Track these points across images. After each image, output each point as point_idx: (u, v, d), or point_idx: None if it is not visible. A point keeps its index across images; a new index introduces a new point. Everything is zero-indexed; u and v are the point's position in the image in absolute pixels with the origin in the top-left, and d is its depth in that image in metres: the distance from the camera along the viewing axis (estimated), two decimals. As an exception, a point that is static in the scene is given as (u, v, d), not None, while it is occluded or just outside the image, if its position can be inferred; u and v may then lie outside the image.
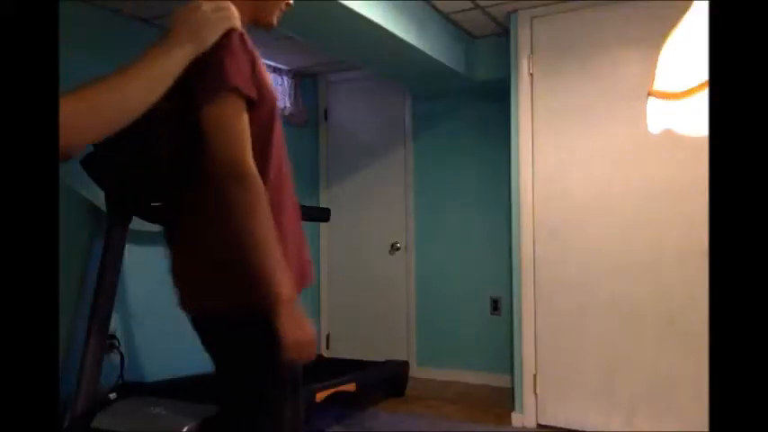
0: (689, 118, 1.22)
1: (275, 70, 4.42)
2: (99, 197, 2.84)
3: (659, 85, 1.28)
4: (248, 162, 1.27)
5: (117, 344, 3.12)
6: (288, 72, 4.53)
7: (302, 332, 1.30)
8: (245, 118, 1.29)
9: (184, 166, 1.37)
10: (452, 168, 4.50)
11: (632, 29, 3.24)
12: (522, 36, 3.54)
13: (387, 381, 4.02)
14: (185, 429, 2.47)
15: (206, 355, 1.50)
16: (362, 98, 4.85)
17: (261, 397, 1.41)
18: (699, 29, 1.17)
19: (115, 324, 3.04)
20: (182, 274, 1.44)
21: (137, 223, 2.90)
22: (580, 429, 3.31)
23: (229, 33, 1.28)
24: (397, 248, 4.64)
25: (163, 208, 1.53)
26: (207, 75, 1.25)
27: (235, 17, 1.29)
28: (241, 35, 1.31)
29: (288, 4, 1.50)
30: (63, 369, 2.74)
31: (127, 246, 2.80)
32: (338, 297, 4.81)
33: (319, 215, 3.99)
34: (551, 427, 3.39)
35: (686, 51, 1.22)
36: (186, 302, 1.44)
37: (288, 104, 4.48)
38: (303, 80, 4.73)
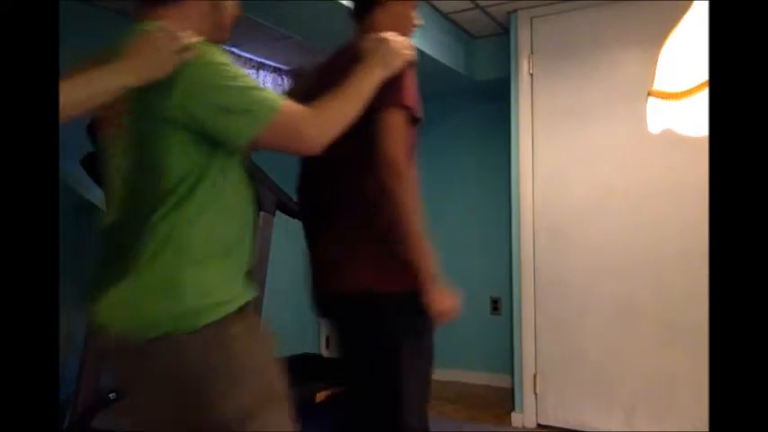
0: (689, 118, 1.22)
1: (275, 70, 4.42)
2: (99, 197, 2.84)
3: (659, 85, 1.28)
4: (408, 163, 1.59)
5: (117, 344, 3.11)
6: (288, 72, 4.52)
7: (448, 301, 1.66)
8: (407, 130, 1.60)
9: (356, 165, 1.64)
10: (452, 168, 4.50)
11: (632, 29, 3.24)
12: (522, 36, 3.54)
13: (387, 381, 4.01)
14: (185, 429, 2.47)
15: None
16: (362, 98, 4.84)
17: (411, 367, 1.67)
18: (699, 29, 1.17)
19: (115, 324, 3.04)
20: (345, 259, 1.65)
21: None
22: (580, 429, 3.31)
23: (407, 63, 1.57)
24: (397, 248, 4.64)
25: (315, 203, 1.79)
26: (386, 94, 1.52)
27: (412, 51, 1.58)
28: (412, 64, 1.61)
29: (414, 26, 1.81)
30: (63, 369, 2.74)
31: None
32: (338, 297, 4.80)
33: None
34: (551, 427, 3.39)
35: (686, 51, 1.22)
36: (345, 284, 1.65)
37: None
38: (303, 80, 4.71)
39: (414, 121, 1.62)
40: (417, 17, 1.81)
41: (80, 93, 1.12)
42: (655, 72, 1.31)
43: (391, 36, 1.55)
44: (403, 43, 1.56)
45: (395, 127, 1.57)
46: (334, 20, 2.96)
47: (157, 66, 1.17)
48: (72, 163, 2.69)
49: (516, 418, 3.48)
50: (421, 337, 1.71)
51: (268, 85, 3.94)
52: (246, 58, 3.67)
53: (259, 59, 3.72)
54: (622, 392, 3.22)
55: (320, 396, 3.18)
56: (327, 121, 1.32)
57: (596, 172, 3.33)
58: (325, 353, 4.76)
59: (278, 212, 2.76)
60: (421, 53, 3.48)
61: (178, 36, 1.19)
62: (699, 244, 2.90)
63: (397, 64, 1.52)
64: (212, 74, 1.19)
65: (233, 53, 3.60)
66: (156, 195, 1.21)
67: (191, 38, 1.21)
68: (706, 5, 1.10)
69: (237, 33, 3.86)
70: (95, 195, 2.88)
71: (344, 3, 2.78)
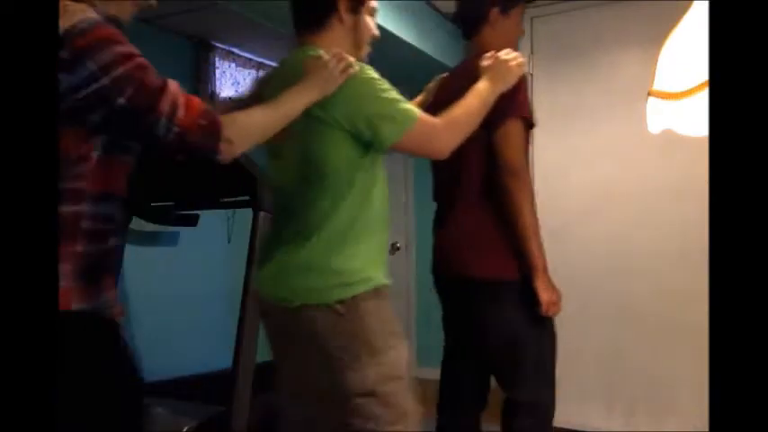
0: (689, 118, 1.22)
1: (275, 70, 4.42)
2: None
3: (659, 85, 1.28)
4: (525, 166, 1.82)
5: (117, 344, 3.11)
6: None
7: (553, 294, 1.85)
8: (524, 135, 1.84)
9: (477, 168, 1.87)
10: (452, 168, 4.48)
11: (632, 29, 3.24)
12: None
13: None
14: (185, 429, 2.47)
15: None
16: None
17: (531, 337, 1.96)
18: (699, 29, 1.17)
19: (115, 324, 3.04)
20: (463, 247, 1.91)
21: (137, 223, 2.90)
22: (580, 429, 3.30)
23: (520, 77, 1.76)
24: (397, 248, 4.64)
25: (440, 196, 2.06)
26: (505, 105, 1.72)
27: (524, 66, 1.75)
28: (525, 77, 1.79)
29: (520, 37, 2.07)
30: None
31: (126, 246, 2.80)
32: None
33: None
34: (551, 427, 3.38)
35: (686, 51, 1.22)
36: (462, 268, 1.91)
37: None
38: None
39: (529, 126, 1.85)
40: (522, 30, 2.04)
41: (283, 113, 1.36)
42: (655, 72, 1.31)
43: (505, 54, 1.72)
44: (516, 59, 1.72)
45: (515, 135, 1.80)
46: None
47: (331, 83, 1.41)
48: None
49: (516, 418, 3.47)
50: (536, 320, 1.90)
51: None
52: (246, 58, 3.66)
53: (259, 59, 3.71)
54: (622, 392, 3.22)
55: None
56: (454, 131, 1.54)
57: (596, 172, 3.33)
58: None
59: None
60: (421, 53, 3.48)
61: (344, 58, 1.43)
62: (699, 244, 2.90)
63: (512, 79, 1.70)
64: (368, 88, 1.44)
65: (233, 53, 3.60)
66: (317, 185, 1.45)
67: (349, 58, 1.44)
68: (706, 5, 1.10)
69: (238, 33, 3.86)
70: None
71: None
